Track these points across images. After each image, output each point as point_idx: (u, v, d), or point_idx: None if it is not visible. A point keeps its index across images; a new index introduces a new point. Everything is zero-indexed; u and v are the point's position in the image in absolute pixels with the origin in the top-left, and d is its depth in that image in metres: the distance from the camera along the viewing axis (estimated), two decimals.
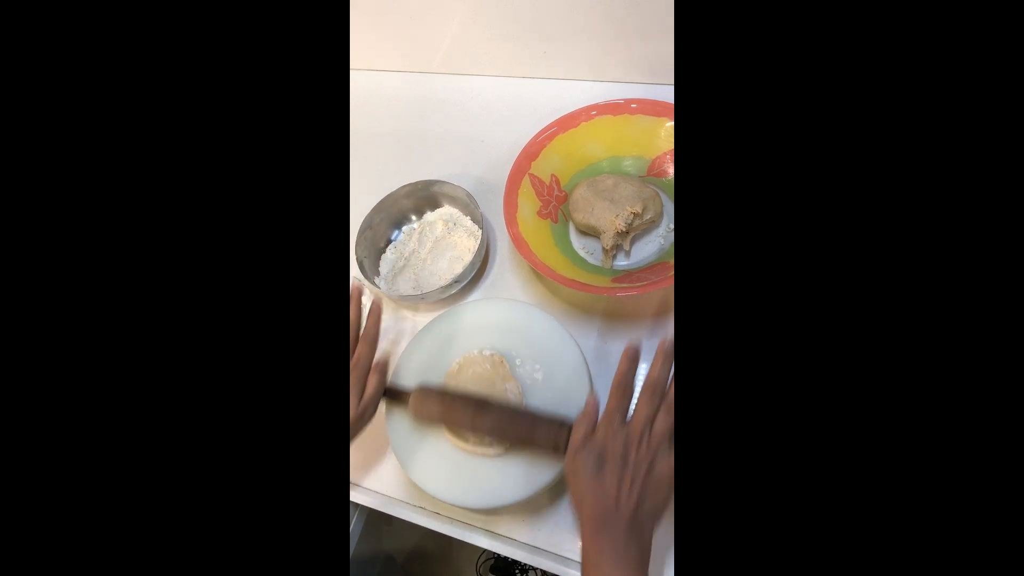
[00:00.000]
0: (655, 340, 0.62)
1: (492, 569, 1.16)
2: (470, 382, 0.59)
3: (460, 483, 0.55)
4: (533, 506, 0.57)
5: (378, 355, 0.59)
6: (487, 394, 0.56)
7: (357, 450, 0.64)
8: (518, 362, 0.60)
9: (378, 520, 0.86)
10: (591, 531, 0.43)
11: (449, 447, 0.57)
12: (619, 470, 0.44)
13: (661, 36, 0.74)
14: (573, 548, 0.54)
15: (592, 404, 0.49)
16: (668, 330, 0.62)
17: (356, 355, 0.57)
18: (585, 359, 0.58)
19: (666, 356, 0.48)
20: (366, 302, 0.67)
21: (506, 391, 0.57)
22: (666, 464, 0.45)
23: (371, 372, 0.57)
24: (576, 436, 0.48)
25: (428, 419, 0.57)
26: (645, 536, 0.43)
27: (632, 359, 0.49)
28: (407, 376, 0.62)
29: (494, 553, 1.12)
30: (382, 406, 0.59)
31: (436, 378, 0.61)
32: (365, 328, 0.59)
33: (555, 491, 0.56)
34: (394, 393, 0.59)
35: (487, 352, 0.60)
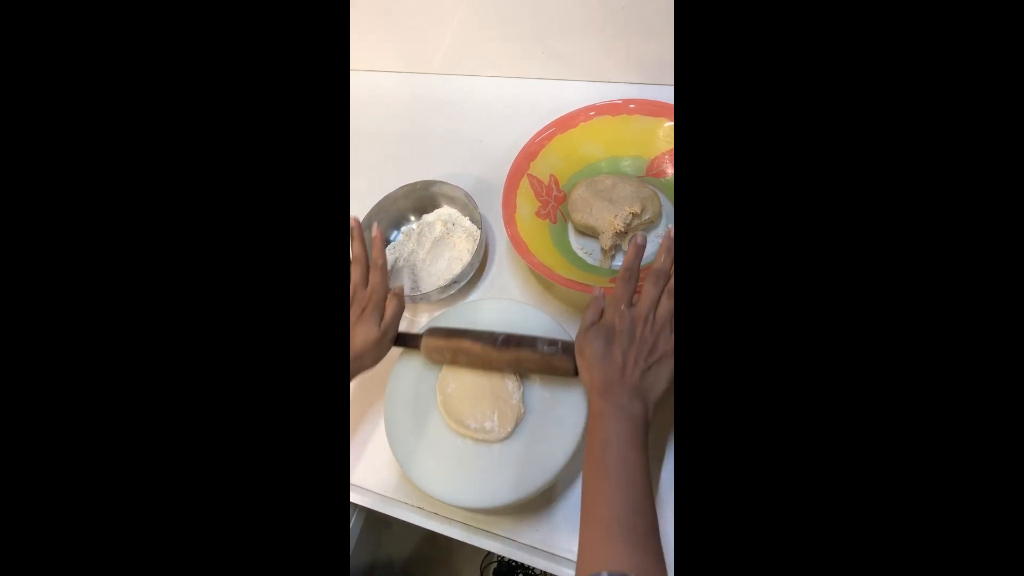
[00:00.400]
0: None
1: (495, 573, 1.15)
2: (466, 374, 0.59)
3: (459, 482, 0.55)
4: (532, 506, 0.56)
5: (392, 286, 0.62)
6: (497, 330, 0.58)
7: (355, 451, 0.64)
8: None
9: (376, 522, 0.86)
10: (599, 395, 0.48)
11: (448, 441, 0.57)
12: (625, 345, 0.49)
13: (660, 36, 0.74)
14: (571, 548, 0.54)
15: (598, 293, 0.53)
16: None
17: (370, 284, 0.60)
18: None
19: (668, 247, 0.51)
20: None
21: (504, 378, 0.58)
22: (667, 343, 0.49)
23: (389, 297, 0.60)
24: (585, 318, 0.52)
25: (441, 357, 0.59)
26: (648, 400, 0.47)
27: (639, 249, 0.52)
28: (406, 376, 0.62)
29: (498, 556, 1.13)
30: (381, 416, 0.59)
31: (433, 378, 0.61)
32: (372, 259, 0.62)
33: (554, 491, 0.56)
34: (405, 338, 0.61)
35: None
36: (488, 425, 0.55)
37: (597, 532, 0.42)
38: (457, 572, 1.18)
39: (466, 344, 0.57)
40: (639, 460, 0.45)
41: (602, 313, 0.52)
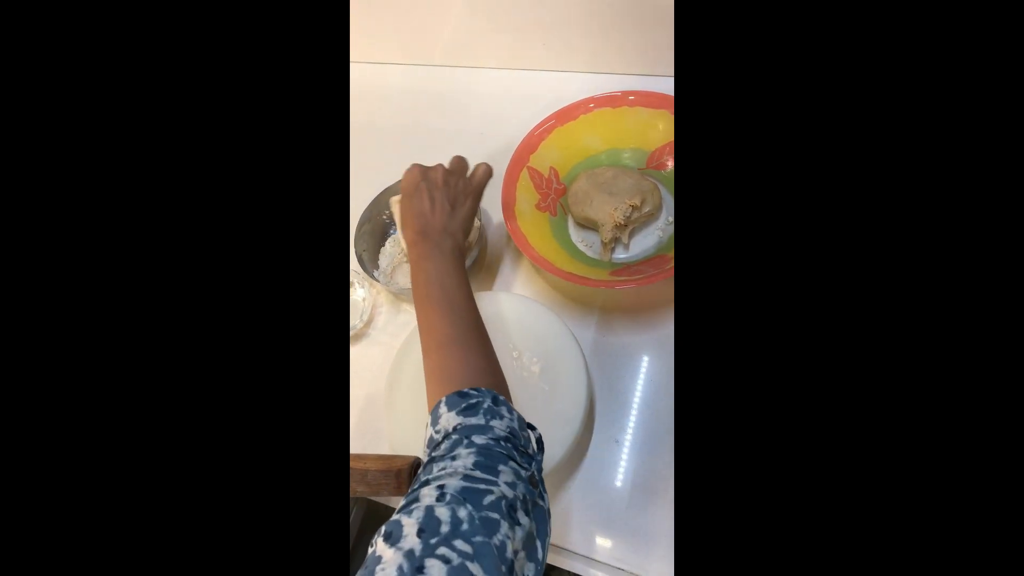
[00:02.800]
0: (653, 334, 0.63)
1: None
2: None
3: None
4: None
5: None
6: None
7: (355, 445, 0.64)
8: (515, 355, 0.60)
9: (377, 514, 0.87)
10: (416, 239, 0.55)
11: None
12: (432, 192, 0.58)
13: (660, 27, 0.74)
14: (570, 539, 0.54)
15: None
16: (667, 323, 0.62)
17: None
18: (583, 352, 0.58)
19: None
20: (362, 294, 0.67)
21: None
22: (467, 185, 0.60)
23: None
24: (412, 173, 0.60)
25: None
26: (459, 237, 0.57)
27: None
28: (406, 371, 0.62)
29: None
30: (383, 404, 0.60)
31: None
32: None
33: (555, 483, 0.57)
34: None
35: None
36: None
37: (435, 357, 0.47)
38: None
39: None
40: (458, 284, 0.51)
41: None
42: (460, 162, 0.63)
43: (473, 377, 0.44)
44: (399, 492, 0.51)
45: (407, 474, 0.51)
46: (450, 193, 0.58)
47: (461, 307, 0.50)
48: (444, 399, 0.42)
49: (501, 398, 0.42)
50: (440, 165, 0.60)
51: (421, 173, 0.59)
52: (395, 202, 0.65)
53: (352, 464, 0.52)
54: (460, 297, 0.51)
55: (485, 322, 0.62)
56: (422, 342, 0.49)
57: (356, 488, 0.52)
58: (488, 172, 0.63)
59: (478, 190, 0.61)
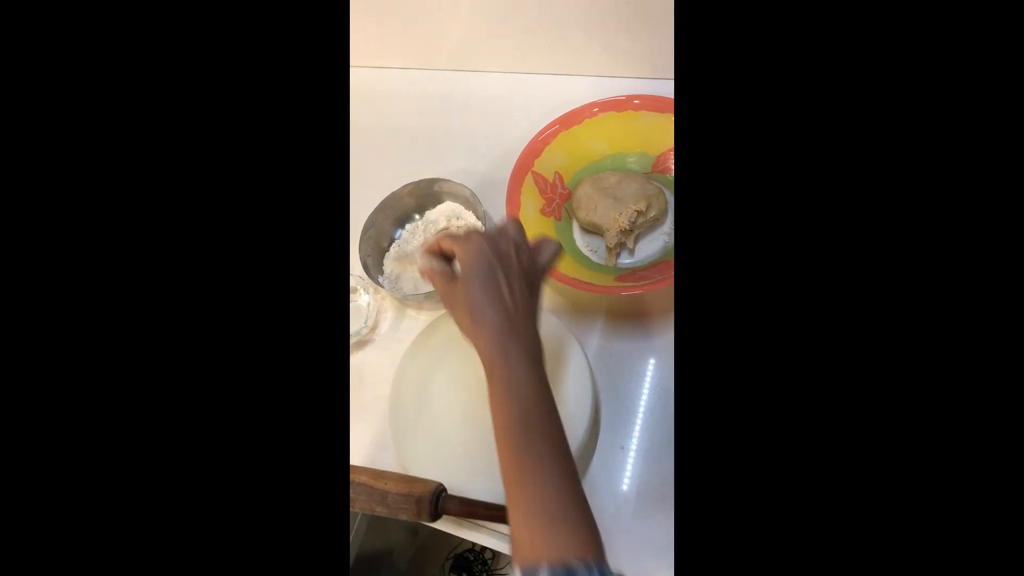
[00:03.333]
0: (659, 340, 0.62)
1: (452, 569, 1.17)
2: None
3: (462, 480, 0.55)
4: None
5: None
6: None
7: (360, 452, 0.64)
8: None
9: (380, 523, 0.87)
10: (499, 349, 0.42)
11: (451, 438, 0.57)
12: (506, 272, 0.43)
13: (664, 30, 0.73)
14: None
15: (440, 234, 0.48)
16: (672, 329, 0.62)
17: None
18: (587, 358, 0.57)
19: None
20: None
21: None
22: (539, 264, 0.46)
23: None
24: (479, 247, 0.44)
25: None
26: (536, 329, 0.44)
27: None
28: (411, 376, 0.62)
29: (455, 552, 1.15)
30: (387, 419, 0.59)
31: (441, 377, 0.61)
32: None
33: None
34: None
35: None
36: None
37: (540, 525, 0.39)
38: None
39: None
40: (560, 425, 0.42)
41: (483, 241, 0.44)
42: (519, 227, 0.46)
43: (579, 548, 0.38)
44: (418, 517, 0.52)
45: (428, 501, 0.51)
46: (524, 272, 0.44)
47: (568, 466, 0.41)
48: (548, 569, 0.36)
49: (607, 571, 0.38)
50: (505, 231, 0.45)
51: (491, 247, 0.44)
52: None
53: (372, 482, 0.53)
54: (565, 448, 0.42)
55: None
56: (517, 500, 0.40)
57: (375, 508, 0.53)
58: (559, 251, 0.48)
59: (545, 270, 0.47)
